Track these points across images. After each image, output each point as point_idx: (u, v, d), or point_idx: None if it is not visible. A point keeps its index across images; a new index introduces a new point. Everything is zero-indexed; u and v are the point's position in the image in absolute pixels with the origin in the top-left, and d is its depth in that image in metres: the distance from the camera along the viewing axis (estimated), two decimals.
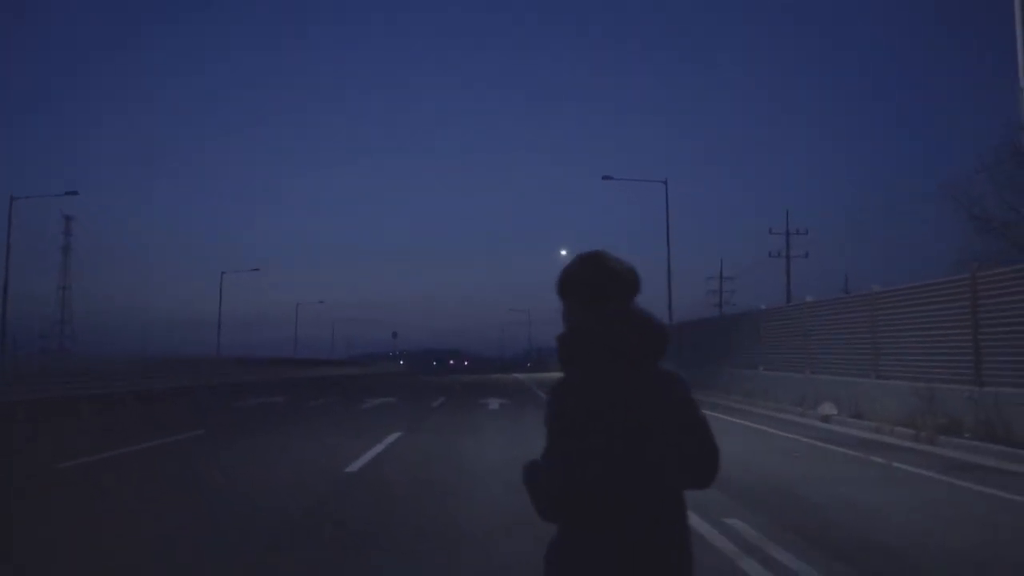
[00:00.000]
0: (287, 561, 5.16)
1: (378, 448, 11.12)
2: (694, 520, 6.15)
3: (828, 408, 15.23)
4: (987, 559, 5.21)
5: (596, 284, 1.86)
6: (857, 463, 9.79)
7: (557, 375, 2.01)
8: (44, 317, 71.68)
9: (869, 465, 9.59)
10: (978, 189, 29.03)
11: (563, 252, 56.70)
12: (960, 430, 11.20)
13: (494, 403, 21.37)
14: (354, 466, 9.39)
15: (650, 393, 1.81)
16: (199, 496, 7.75)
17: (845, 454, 10.56)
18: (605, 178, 36.74)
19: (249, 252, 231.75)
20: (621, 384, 1.78)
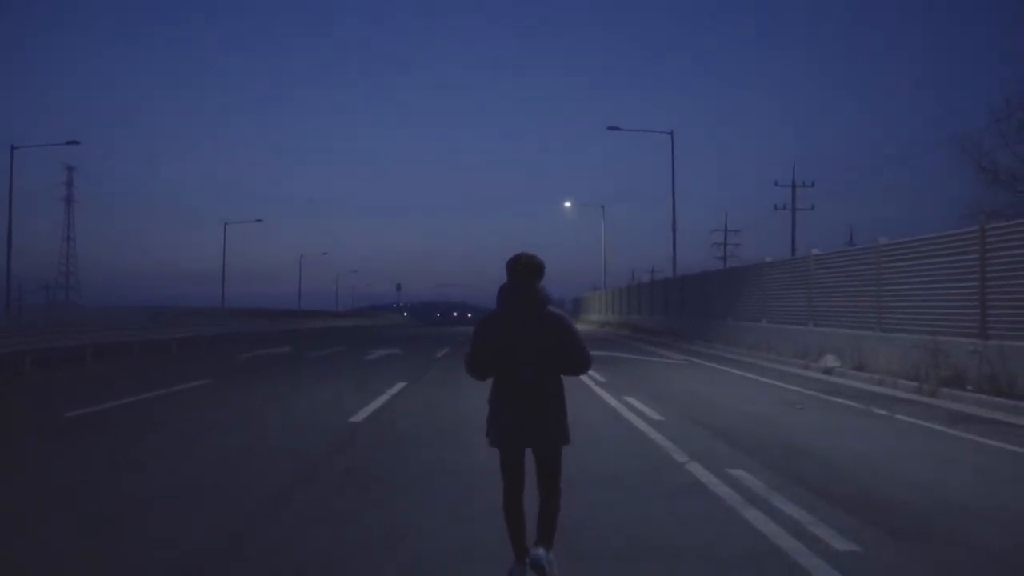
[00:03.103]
0: (293, 506, 5.20)
1: (383, 398, 11.20)
2: (697, 470, 6.23)
3: (831, 360, 15.26)
4: (989, 510, 5.24)
5: (510, 269, 3.77)
6: (860, 415, 9.83)
7: None
8: (48, 268, 72.03)
9: (872, 417, 9.63)
10: (988, 141, 28.55)
11: (567, 204, 56.51)
12: (963, 383, 11.22)
13: None
14: (359, 416, 9.46)
15: (531, 322, 3.68)
16: (204, 445, 7.80)
17: (848, 406, 10.60)
18: (611, 128, 36.44)
19: (254, 204, 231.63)
20: (510, 317, 3.72)
